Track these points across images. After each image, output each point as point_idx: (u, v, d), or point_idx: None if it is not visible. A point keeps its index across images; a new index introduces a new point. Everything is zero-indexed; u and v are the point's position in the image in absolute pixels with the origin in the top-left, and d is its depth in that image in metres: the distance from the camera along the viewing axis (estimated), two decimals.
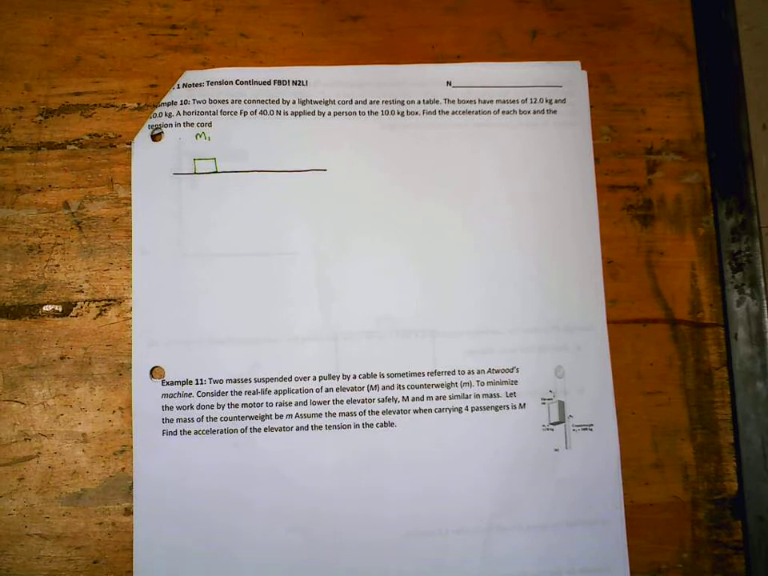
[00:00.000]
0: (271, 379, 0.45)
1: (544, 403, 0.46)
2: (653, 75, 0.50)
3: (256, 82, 0.48)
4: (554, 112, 0.49)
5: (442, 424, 0.46)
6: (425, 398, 0.46)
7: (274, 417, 0.45)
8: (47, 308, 0.46)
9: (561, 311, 0.47)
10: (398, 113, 0.48)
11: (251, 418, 0.45)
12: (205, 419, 0.45)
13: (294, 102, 0.47)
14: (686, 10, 0.51)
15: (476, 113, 0.49)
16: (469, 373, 0.46)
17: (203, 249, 0.46)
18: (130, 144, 0.47)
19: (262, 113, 0.47)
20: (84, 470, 0.45)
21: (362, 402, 0.46)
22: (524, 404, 0.46)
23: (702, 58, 0.50)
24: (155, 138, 0.47)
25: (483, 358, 0.46)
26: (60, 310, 0.46)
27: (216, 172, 0.47)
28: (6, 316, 0.46)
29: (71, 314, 0.46)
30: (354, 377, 0.46)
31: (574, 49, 0.50)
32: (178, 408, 0.45)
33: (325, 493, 0.45)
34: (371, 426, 0.46)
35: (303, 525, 0.45)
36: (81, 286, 0.46)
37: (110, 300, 0.46)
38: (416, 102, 0.48)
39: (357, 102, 0.48)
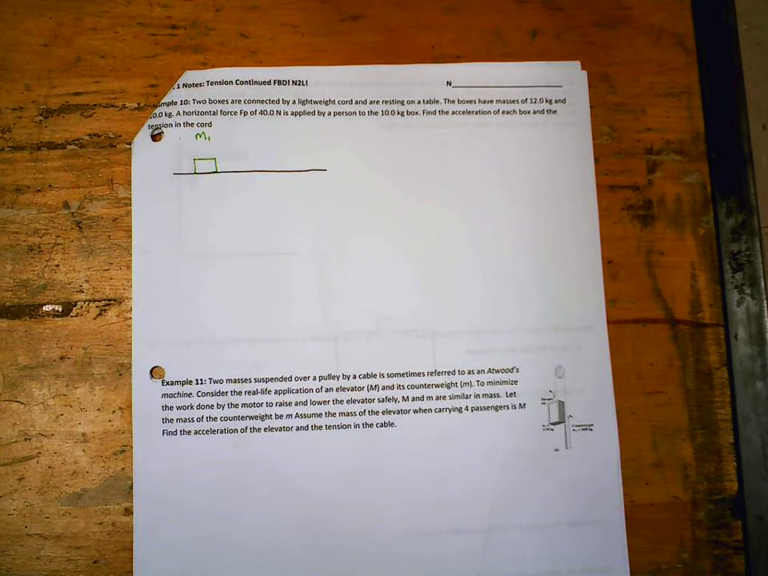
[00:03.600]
0: (271, 379, 0.45)
1: (544, 403, 0.47)
2: (653, 75, 0.50)
3: (256, 82, 0.48)
4: (554, 112, 0.49)
5: (442, 424, 0.46)
6: (425, 398, 0.46)
7: (273, 417, 0.45)
8: (47, 308, 0.46)
9: (561, 311, 0.47)
10: (398, 113, 0.48)
11: (251, 417, 0.45)
12: (205, 419, 0.45)
13: (294, 102, 0.47)
14: (686, 9, 0.51)
15: (476, 113, 0.49)
16: (469, 373, 0.46)
17: (203, 249, 0.46)
18: (129, 144, 0.47)
19: (262, 113, 0.47)
20: (84, 470, 0.45)
21: (362, 402, 0.46)
22: (524, 404, 0.46)
23: (702, 58, 0.50)
24: (155, 137, 0.47)
25: (483, 357, 0.46)
26: (60, 309, 0.46)
27: (216, 172, 0.47)
28: (6, 316, 0.46)
29: (71, 314, 0.46)
30: (354, 377, 0.46)
31: (574, 49, 0.50)
32: (178, 408, 0.45)
33: (324, 493, 0.45)
34: (371, 425, 0.46)
35: (303, 525, 0.45)
36: (81, 286, 0.46)
37: (109, 300, 0.46)
38: (416, 101, 0.48)
39: (357, 102, 0.48)
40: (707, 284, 0.49)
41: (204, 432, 0.45)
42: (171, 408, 0.45)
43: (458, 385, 0.46)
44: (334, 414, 0.46)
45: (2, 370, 0.45)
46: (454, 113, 0.48)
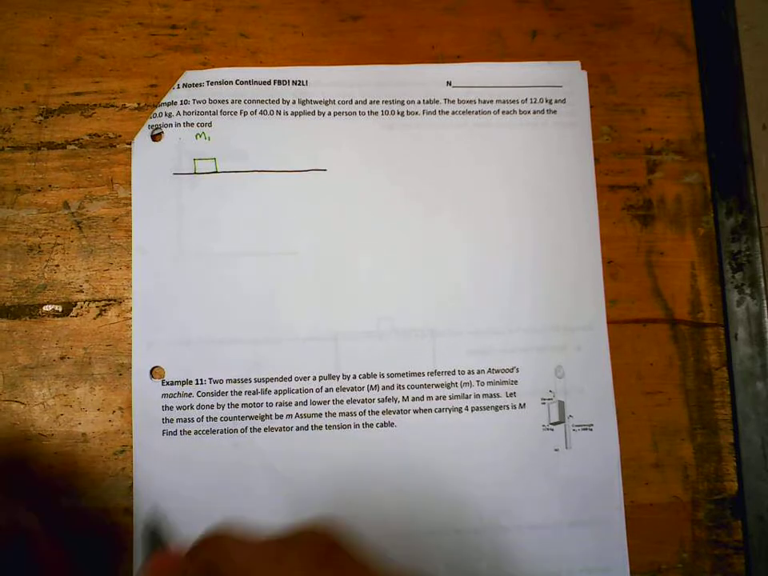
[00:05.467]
0: (271, 379, 0.45)
1: (544, 403, 0.46)
2: (653, 75, 0.50)
3: (256, 82, 0.48)
4: (554, 112, 0.49)
5: (442, 424, 0.46)
6: (425, 398, 0.46)
7: (273, 417, 0.45)
8: (47, 308, 0.46)
9: (561, 311, 0.47)
10: (398, 113, 0.48)
11: (251, 417, 0.45)
12: (205, 419, 0.45)
13: (294, 102, 0.47)
14: (685, 10, 0.51)
15: (476, 113, 0.49)
16: (469, 373, 0.46)
17: (203, 248, 0.46)
18: (129, 144, 0.47)
19: (261, 113, 0.47)
20: (84, 470, 0.45)
21: (362, 402, 0.46)
22: (524, 404, 0.46)
23: (702, 58, 0.50)
24: (155, 137, 0.47)
25: (483, 357, 0.46)
26: (60, 309, 0.46)
27: (216, 172, 0.47)
28: (6, 316, 0.46)
29: (71, 314, 0.46)
30: (354, 377, 0.46)
31: (574, 49, 0.50)
32: (178, 408, 0.45)
33: (324, 493, 0.45)
34: (371, 425, 0.46)
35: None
36: (81, 285, 0.46)
37: (109, 300, 0.46)
38: (416, 101, 0.48)
39: (357, 102, 0.48)
40: (707, 284, 0.49)
41: (204, 432, 0.45)
42: (171, 408, 0.45)
43: (458, 385, 0.46)
44: (333, 414, 0.46)
45: (2, 369, 0.45)
46: (453, 113, 0.48)
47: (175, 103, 0.47)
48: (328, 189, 0.47)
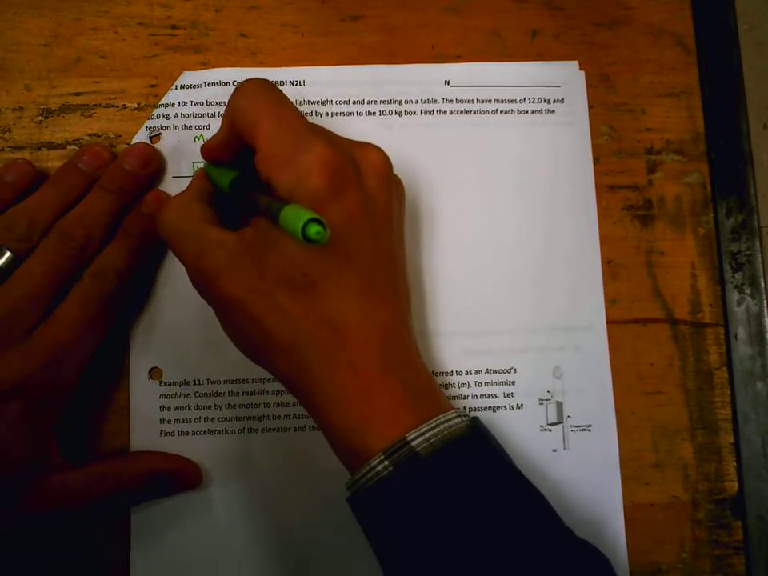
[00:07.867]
0: (268, 380, 0.45)
1: (542, 404, 0.46)
2: (653, 75, 0.50)
3: None
4: (552, 112, 0.49)
5: None
6: None
7: (271, 417, 0.45)
8: None
9: (560, 311, 0.47)
10: (396, 112, 0.48)
11: (248, 418, 0.45)
12: (202, 420, 0.45)
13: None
14: (685, 10, 0.51)
15: (474, 112, 0.48)
16: (466, 373, 0.46)
17: None
18: (129, 145, 0.47)
19: None
20: None
21: None
22: (521, 404, 0.46)
23: (702, 58, 0.50)
24: (153, 140, 0.47)
25: (481, 358, 0.46)
26: None
27: None
28: None
29: None
30: None
31: (574, 49, 0.50)
32: (176, 409, 0.45)
33: (323, 494, 0.44)
34: None
35: (302, 526, 0.45)
36: None
37: None
38: (414, 101, 0.48)
39: (354, 102, 0.48)
40: (707, 284, 0.48)
41: (201, 433, 0.45)
42: (169, 409, 0.45)
43: (455, 386, 0.46)
44: None
45: None
46: (452, 112, 0.48)
47: (173, 105, 0.47)
48: None
